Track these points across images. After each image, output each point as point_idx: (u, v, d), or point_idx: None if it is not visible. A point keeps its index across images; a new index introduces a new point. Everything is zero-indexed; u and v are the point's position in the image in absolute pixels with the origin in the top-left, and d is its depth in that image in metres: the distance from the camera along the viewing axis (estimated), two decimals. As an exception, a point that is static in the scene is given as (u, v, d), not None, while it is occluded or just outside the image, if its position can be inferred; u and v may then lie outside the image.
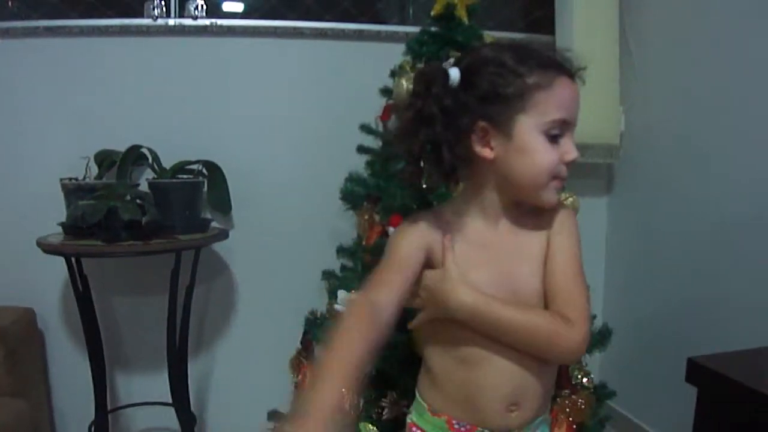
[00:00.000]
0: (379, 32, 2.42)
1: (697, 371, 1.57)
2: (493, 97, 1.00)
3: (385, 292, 1.01)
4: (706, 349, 1.63)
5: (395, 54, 1.98)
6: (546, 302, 1.07)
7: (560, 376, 1.84)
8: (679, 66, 2.35)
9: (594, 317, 1.97)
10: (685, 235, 2.31)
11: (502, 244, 1.09)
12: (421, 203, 1.79)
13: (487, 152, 1.02)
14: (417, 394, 1.18)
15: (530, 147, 1.00)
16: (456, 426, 1.09)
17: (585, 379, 1.88)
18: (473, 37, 1.94)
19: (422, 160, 1.05)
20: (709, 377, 1.53)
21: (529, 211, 1.10)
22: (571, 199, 1.96)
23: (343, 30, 2.40)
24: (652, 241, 2.51)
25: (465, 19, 1.94)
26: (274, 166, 2.41)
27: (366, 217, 1.93)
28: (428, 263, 1.07)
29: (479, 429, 1.08)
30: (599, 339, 1.90)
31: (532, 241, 1.10)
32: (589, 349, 1.89)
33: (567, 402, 1.80)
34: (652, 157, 2.51)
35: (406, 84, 1.78)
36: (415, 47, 1.92)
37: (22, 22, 2.22)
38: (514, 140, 1.00)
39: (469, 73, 1.02)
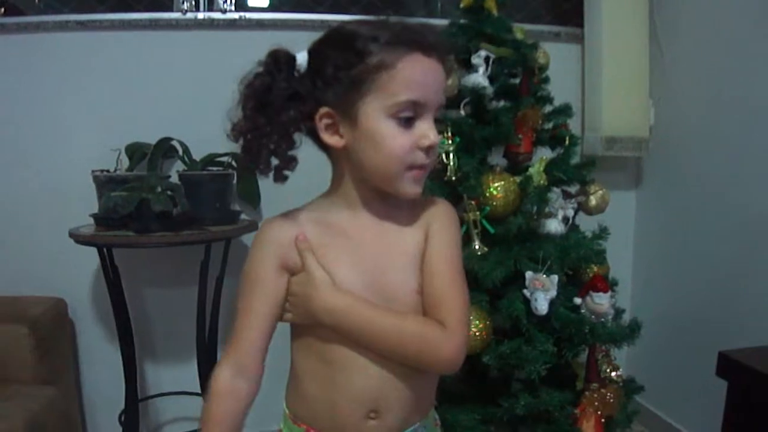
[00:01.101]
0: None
1: (728, 365, 1.55)
2: (334, 81, 0.92)
3: (247, 349, 0.97)
4: (734, 344, 1.61)
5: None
6: (423, 306, 0.99)
7: (589, 370, 1.84)
8: (708, 60, 2.32)
9: (623, 311, 1.98)
10: (714, 229, 2.28)
11: (367, 237, 1.00)
12: (449, 195, 1.80)
13: (335, 140, 0.95)
14: (284, 402, 1.10)
15: (377, 133, 0.91)
16: None
17: (614, 373, 1.87)
18: (502, 29, 1.94)
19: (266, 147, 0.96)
20: (740, 371, 1.51)
21: (401, 205, 1.01)
22: (601, 192, 1.96)
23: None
24: (681, 235, 2.48)
25: (494, 11, 1.94)
26: (302, 158, 2.40)
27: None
28: (291, 270, 0.99)
29: None
30: (628, 333, 1.89)
31: (405, 237, 1.01)
32: (618, 344, 1.89)
33: (596, 396, 1.80)
34: (681, 151, 2.48)
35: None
36: (445, 39, 1.92)
37: (52, 16, 2.25)
38: (359, 126, 0.92)
39: (315, 56, 0.96)
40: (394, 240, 1.01)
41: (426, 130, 0.92)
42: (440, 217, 1.04)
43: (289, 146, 0.97)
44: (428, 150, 0.93)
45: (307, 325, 0.99)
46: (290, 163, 0.99)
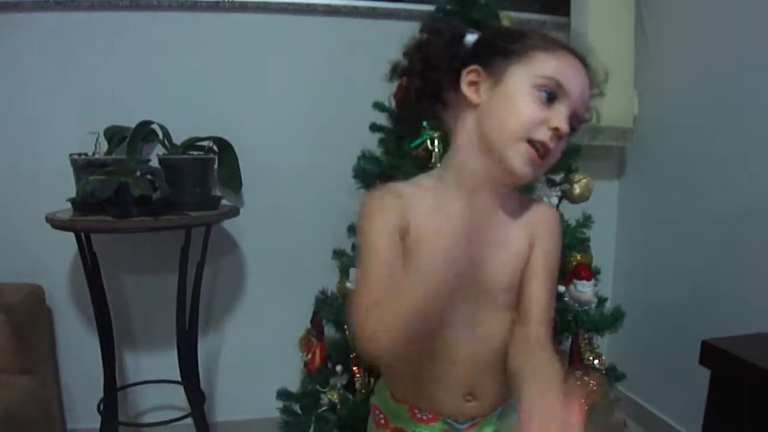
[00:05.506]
0: (392, 10, 2.40)
1: (711, 354, 1.56)
2: (494, 47, 0.97)
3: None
4: (714, 333, 1.63)
5: (409, 32, 1.96)
6: (518, 305, 1.03)
7: (573, 357, 1.84)
8: (694, 50, 2.33)
9: (605, 300, 1.98)
10: (697, 219, 2.29)
11: (474, 225, 0.95)
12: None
13: (473, 95, 0.97)
14: (382, 378, 1.16)
15: (516, 94, 0.94)
16: (418, 415, 1.07)
17: (596, 361, 1.87)
18: (489, 15, 1.92)
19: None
20: (724, 360, 1.52)
21: (508, 197, 1.04)
22: (585, 180, 1.95)
23: (356, 7, 2.36)
24: (663, 225, 2.50)
25: (481, -3, 1.93)
26: (285, 144, 2.39)
27: (379, 195, 1.92)
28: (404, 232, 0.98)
29: (443, 417, 1.06)
30: (611, 321, 1.89)
31: (512, 232, 1.04)
32: (601, 332, 1.89)
33: (578, 383, 1.79)
34: (664, 141, 2.49)
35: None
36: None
37: (31, -5, 2.20)
38: (502, 85, 0.95)
39: (485, 35, 1.02)
40: (500, 232, 1.03)
41: (561, 115, 0.93)
42: (551, 224, 1.07)
43: (434, 92, 1.03)
44: (554, 132, 0.93)
45: None
46: (423, 107, 1.06)
